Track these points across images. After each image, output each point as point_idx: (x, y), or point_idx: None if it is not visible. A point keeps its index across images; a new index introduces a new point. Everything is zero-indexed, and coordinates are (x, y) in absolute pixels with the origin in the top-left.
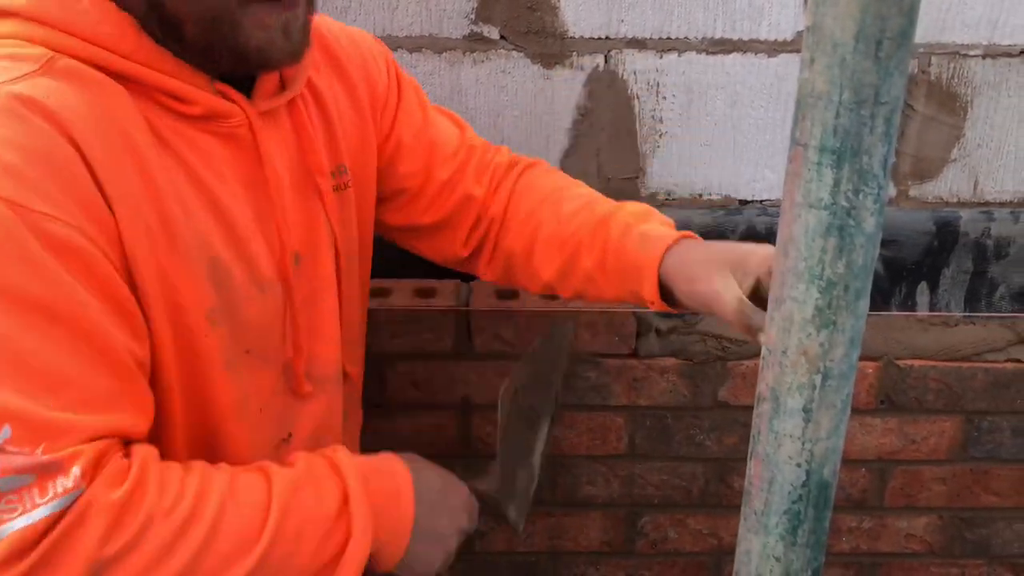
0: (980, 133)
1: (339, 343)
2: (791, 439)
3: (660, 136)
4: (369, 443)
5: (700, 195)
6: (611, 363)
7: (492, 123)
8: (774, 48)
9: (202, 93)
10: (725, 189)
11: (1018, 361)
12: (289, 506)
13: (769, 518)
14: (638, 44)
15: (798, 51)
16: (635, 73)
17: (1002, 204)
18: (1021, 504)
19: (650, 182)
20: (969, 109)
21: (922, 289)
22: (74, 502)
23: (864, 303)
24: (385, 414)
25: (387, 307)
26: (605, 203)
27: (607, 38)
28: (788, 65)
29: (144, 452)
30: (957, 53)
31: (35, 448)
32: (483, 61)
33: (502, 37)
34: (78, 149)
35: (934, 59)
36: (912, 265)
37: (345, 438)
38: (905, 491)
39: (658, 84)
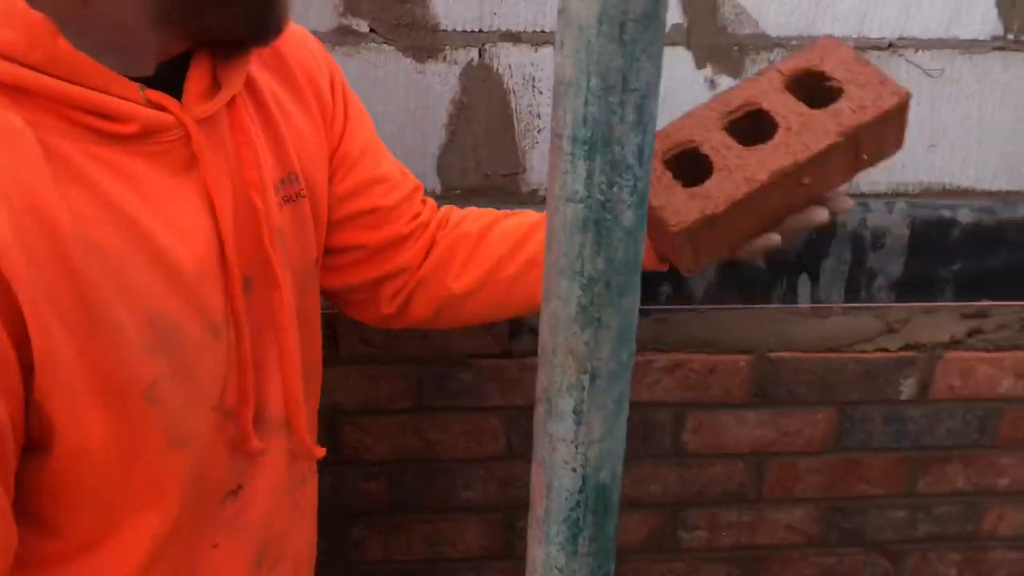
0: None
1: (298, 382)
2: (564, 443)
3: (539, 132)
4: None
5: None
6: (484, 363)
7: None
8: None
9: (135, 107)
10: None
11: (886, 351)
12: None
13: (550, 526)
14: (512, 37)
15: (674, 44)
16: (510, 67)
17: (877, 195)
18: (892, 491)
19: (531, 178)
20: None
21: (803, 281)
22: None
23: (630, 299)
24: None
25: None
26: (525, 215)
27: (481, 31)
28: (665, 58)
29: None
30: None
31: None
32: (353, 55)
33: (372, 30)
34: None
35: None
36: (792, 258)
37: (296, 502)
38: (781, 483)
39: (534, 78)
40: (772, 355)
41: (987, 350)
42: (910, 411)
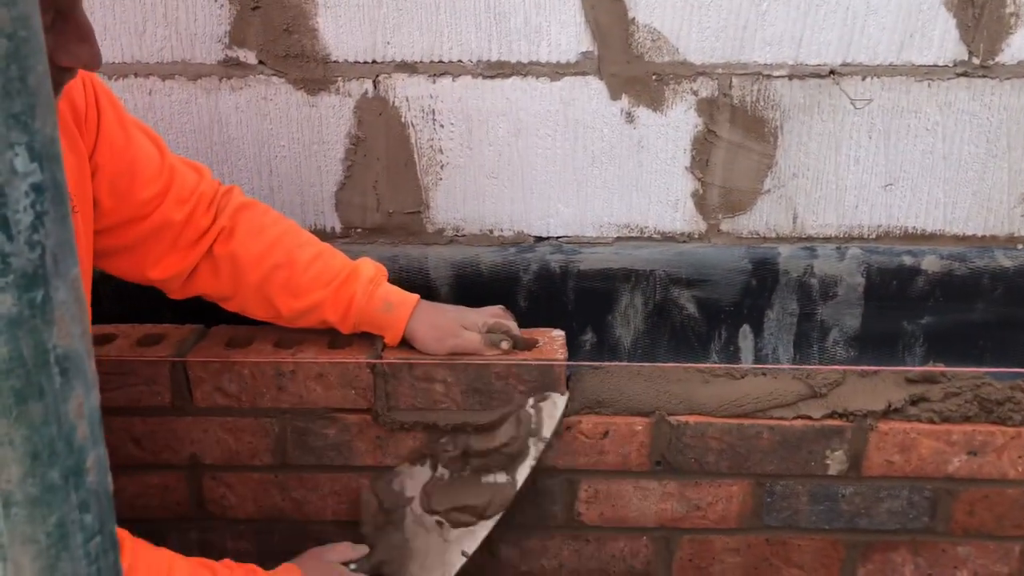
0: (794, 161)
1: None
2: None
3: (441, 167)
4: None
5: (491, 231)
6: (350, 418)
7: (258, 153)
8: (557, 71)
9: None
10: (517, 225)
11: (808, 418)
12: None
13: None
14: (408, 68)
15: (584, 73)
16: (408, 99)
17: (826, 239)
18: None
19: (435, 217)
20: (779, 135)
21: (744, 333)
22: None
23: (38, 407)
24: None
25: (98, 356)
26: (337, 256)
27: (374, 62)
28: (574, 89)
29: (125, 532)
30: (760, 74)
31: None
32: (242, 88)
33: (260, 62)
34: None
35: (735, 80)
36: (729, 307)
37: None
38: (695, 563)
39: (434, 111)
40: (674, 419)
41: (932, 422)
42: (841, 488)
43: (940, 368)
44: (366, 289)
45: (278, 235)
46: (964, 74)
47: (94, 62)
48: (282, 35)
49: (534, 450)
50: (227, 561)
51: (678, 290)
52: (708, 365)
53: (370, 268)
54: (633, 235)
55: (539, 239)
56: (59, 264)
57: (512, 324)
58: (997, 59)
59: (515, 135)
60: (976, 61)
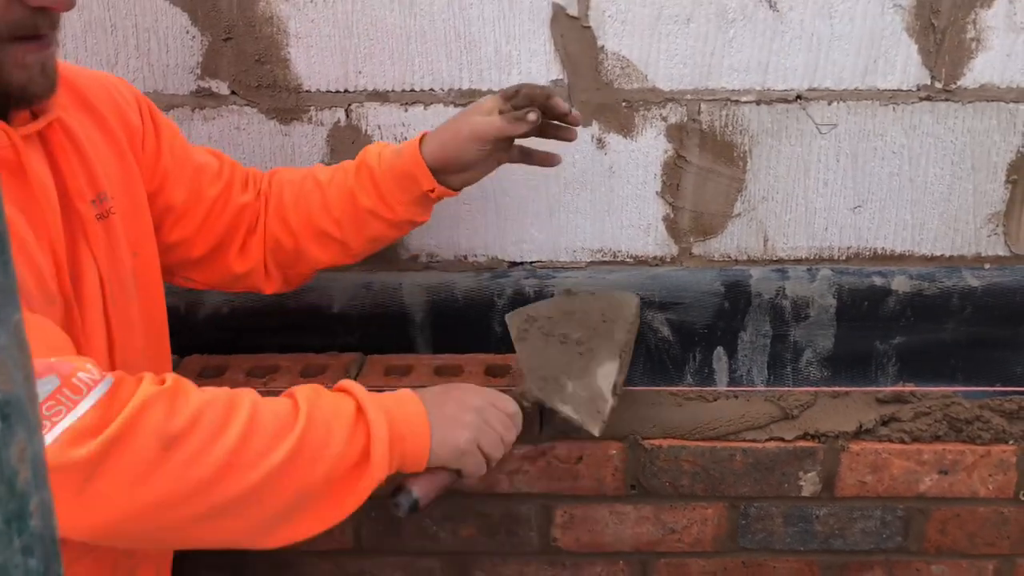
0: (764, 185)
1: None
2: None
3: None
4: None
5: (465, 256)
6: None
7: None
8: None
9: None
10: (491, 250)
11: (781, 440)
12: (314, 406)
13: None
14: (380, 97)
15: None
16: (380, 128)
17: (797, 261)
18: None
19: (410, 243)
20: (749, 159)
21: (719, 355)
22: (114, 391)
23: None
24: None
25: None
26: (348, 162)
27: (346, 91)
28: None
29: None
30: (729, 100)
31: (49, 358)
32: (214, 118)
33: (233, 92)
34: None
35: (704, 106)
36: (703, 329)
37: None
38: None
39: (406, 139)
40: (647, 443)
41: (903, 441)
42: (815, 509)
43: (910, 388)
44: (375, 158)
45: (302, 175)
46: (928, 98)
47: (66, 1)
48: (254, 65)
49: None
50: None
51: (652, 313)
52: (679, 388)
53: (375, 145)
54: (606, 259)
55: (513, 264)
56: None
57: (527, 85)
58: (959, 83)
59: None
60: (939, 85)
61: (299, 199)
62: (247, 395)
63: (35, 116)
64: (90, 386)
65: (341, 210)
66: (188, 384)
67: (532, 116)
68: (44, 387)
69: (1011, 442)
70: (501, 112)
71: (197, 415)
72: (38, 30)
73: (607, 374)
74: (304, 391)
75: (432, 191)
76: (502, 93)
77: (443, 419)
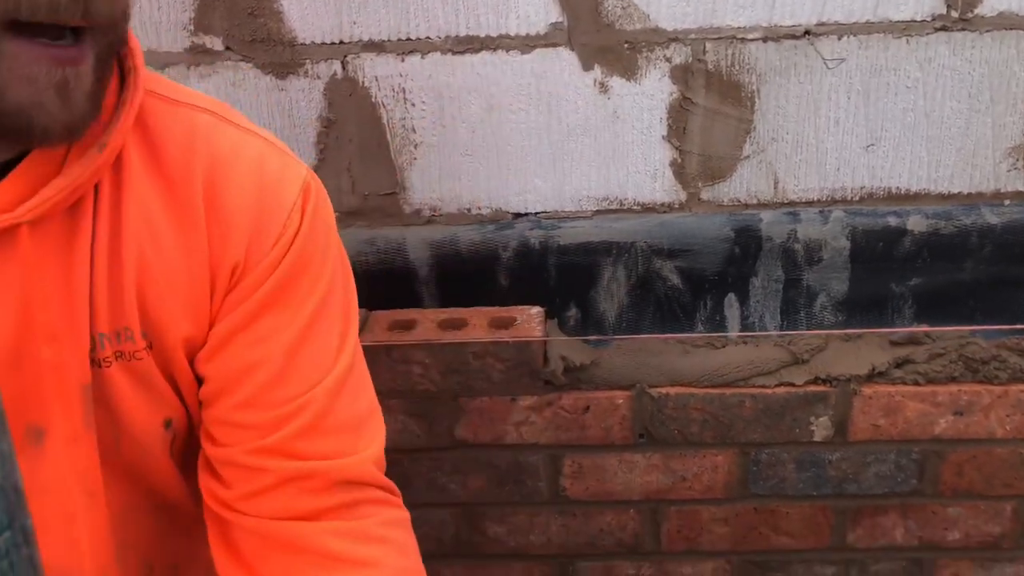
0: (773, 125)
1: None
2: None
3: (415, 147)
4: None
5: (468, 209)
6: None
7: None
8: (527, 44)
9: None
10: (495, 202)
11: (791, 385)
12: None
13: None
14: (376, 47)
15: (555, 45)
16: (377, 79)
17: (809, 203)
18: (817, 545)
19: (412, 198)
20: (757, 99)
21: (730, 301)
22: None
23: None
24: None
25: None
26: None
27: (341, 43)
28: (545, 61)
29: None
30: (735, 37)
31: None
32: (210, 75)
33: (227, 48)
34: None
35: (709, 45)
36: (713, 276)
37: None
38: (683, 534)
39: (404, 90)
40: (654, 391)
41: (917, 383)
42: (827, 454)
43: (924, 328)
44: None
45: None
46: (943, 28)
47: None
48: (247, 19)
49: None
50: None
51: (661, 261)
52: (687, 336)
53: None
54: (612, 207)
55: (517, 215)
56: None
57: None
58: (976, 11)
59: (488, 111)
60: (955, 15)
61: None
62: None
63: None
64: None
65: None
66: None
67: None
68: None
69: None
70: None
71: None
72: (54, 22)
73: None
74: None
75: None
76: None
77: None
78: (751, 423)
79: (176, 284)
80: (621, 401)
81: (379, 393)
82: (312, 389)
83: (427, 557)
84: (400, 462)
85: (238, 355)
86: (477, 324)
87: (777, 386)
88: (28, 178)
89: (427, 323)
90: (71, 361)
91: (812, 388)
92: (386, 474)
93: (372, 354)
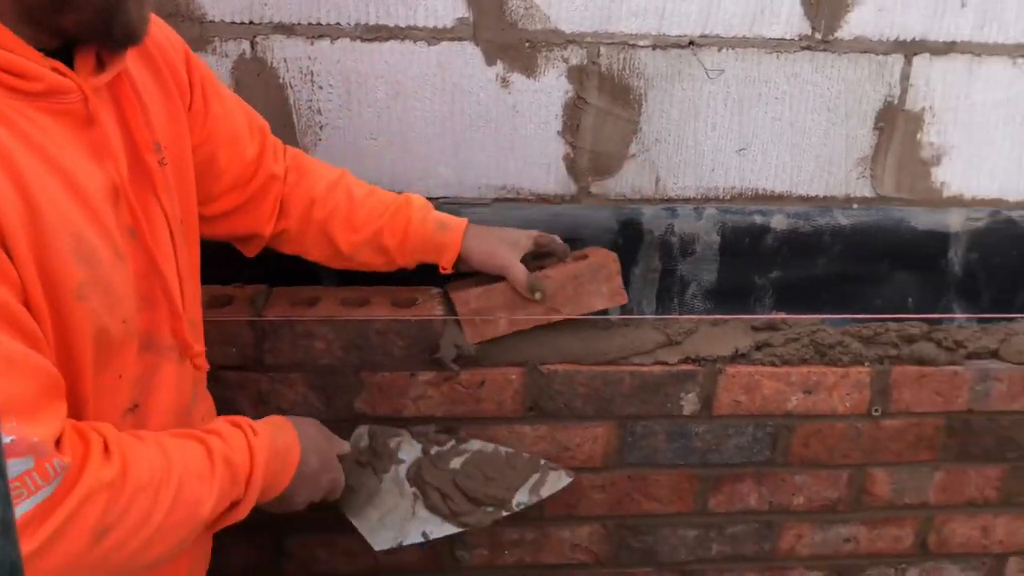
0: (657, 127)
1: (183, 318)
2: None
3: (320, 128)
4: None
5: None
6: (232, 375)
7: None
8: (433, 35)
9: (44, 70)
10: (398, 185)
11: (665, 363)
12: (221, 486)
13: None
14: (286, 29)
15: (460, 39)
16: (285, 61)
17: (686, 200)
18: (682, 510)
19: None
20: (644, 102)
21: None
22: (65, 479)
23: None
24: None
25: None
26: (388, 192)
27: (251, 23)
28: (450, 54)
29: (110, 431)
30: (626, 43)
31: (30, 433)
32: None
33: None
34: None
35: (603, 49)
36: None
37: (194, 421)
38: (564, 500)
39: (312, 72)
40: (545, 368)
41: (773, 364)
42: (694, 427)
43: (782, 316)
44: (420, 212)
45: (336, 176)
46: (808, 48)
47: None
48: None
49: (525, 499)
50: (220, 424)
51: None
52: (575, 317)
53: (420, 198)
54: (510, 196)
55: None
56: None
57: (556, 241)
58: (836, 35)
59: (394, 97)
60: (818, 36)
61: (326, 202)
62: (177, 466)
63: (100, 62)
64: (56, 474)
65: (361, 234)
66: (130, 459)
67: (538, 297)
68: (17, 467)
69: (866, 364)
70: (527, 261)
71: (129, 503)
72: None
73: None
74: (221, 450)
75: (443, 269)
76: (536, 240)
77: (296, 484)
78: (629, 398)
79: (165, 114)
80: (514, 376)
81: (281, 367)
82: (249, 115)
83: (326, 530)
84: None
85: (227, 126)
86: (379, 303)
87: (653, 364)
88: (85, 62)
89: (330, 300)
90: (157, 165)
91: (683, 367)
92: None
93: (275, 328)
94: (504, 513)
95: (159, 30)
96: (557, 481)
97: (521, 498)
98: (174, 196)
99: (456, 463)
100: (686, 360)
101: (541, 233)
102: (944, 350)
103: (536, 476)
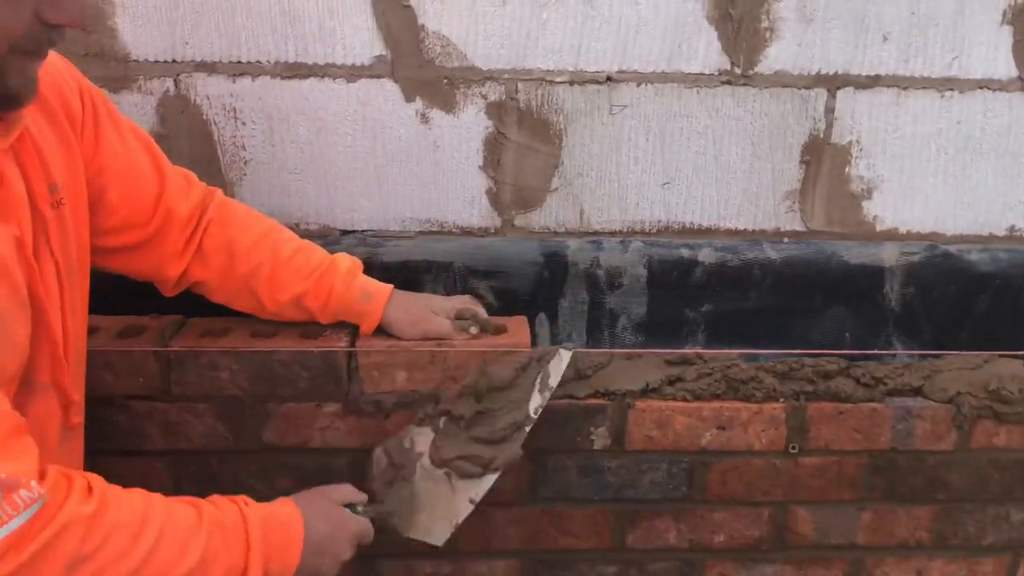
0: (579, 161)
1: (64, 365)
2: None
3: (245, 163)
4: None
5: (297, 225)
6: (140, 405)
7: None
8: (352, 73)
9: None
10: (323, 219)
11: (573, 397)
12: (209, 546)
13: None
14: (208, 68)
15: (379, 76)
16: (208, 98)
17: (611, 233)
18: (600, 545)
19: None
20: (564, 137)
21: (541, 320)
22: (43, 511)
23: None
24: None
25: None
26: (316, 250)
27: (174, 61)
28: (370, 90)
29: (97, 477)
30: (544, 80)
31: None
32: None
33: None
34: None
35: (521, 85)
36: (526, 296)
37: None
38: (478, 534)
39: (235, 109)
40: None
41: (685, 400)
42: (606, 461)
43: (696, 351)
44: (345, 279)
45: (263, 231)
46: (728, 82)
47: (81, 18)
48: (81, 34)
49: (540, 400)
50: (215, 497)
51: (476, 281)
52: (490, 348)
53: (347, 261)
54: (434, 229)
55: (345, 232)
56: None
57: (480, 310)
58: (756, 69)
59: (316, 133)
60: (738, 71)
61: (249, 257)
62: (159, 514)
63: (0, 118)
64: (27, 504)
65: (285, 295)
66: (111, 500)
67: (474, 330)
68: None
69: (781, 400)
70: (451, 318)
71: (106, 538)
72: (46, 46)
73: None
74: (211, 512)
75: (363, 334)
76: (459, 311)
77: (312, 553)
78: (541, 433)
79: (59, 152)
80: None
81: (189, 398)
82: (154, 156)
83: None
84: (208, 463)
85: (121, 162)
86: (287, 335)
87: (562, 398)
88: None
89: (241, 332)
90: (50, 210)
91: (592, 401)
92: (194, 474)
93: (181, 359)
94: (528, 428)
95: (50, 65)
96: (559, 363)
97: (535, 403)
98: (68, 237)
99: (464, 419)
100: (595, 394)
101: (465, 306)
102: (862, 386)
103: (539, 372)
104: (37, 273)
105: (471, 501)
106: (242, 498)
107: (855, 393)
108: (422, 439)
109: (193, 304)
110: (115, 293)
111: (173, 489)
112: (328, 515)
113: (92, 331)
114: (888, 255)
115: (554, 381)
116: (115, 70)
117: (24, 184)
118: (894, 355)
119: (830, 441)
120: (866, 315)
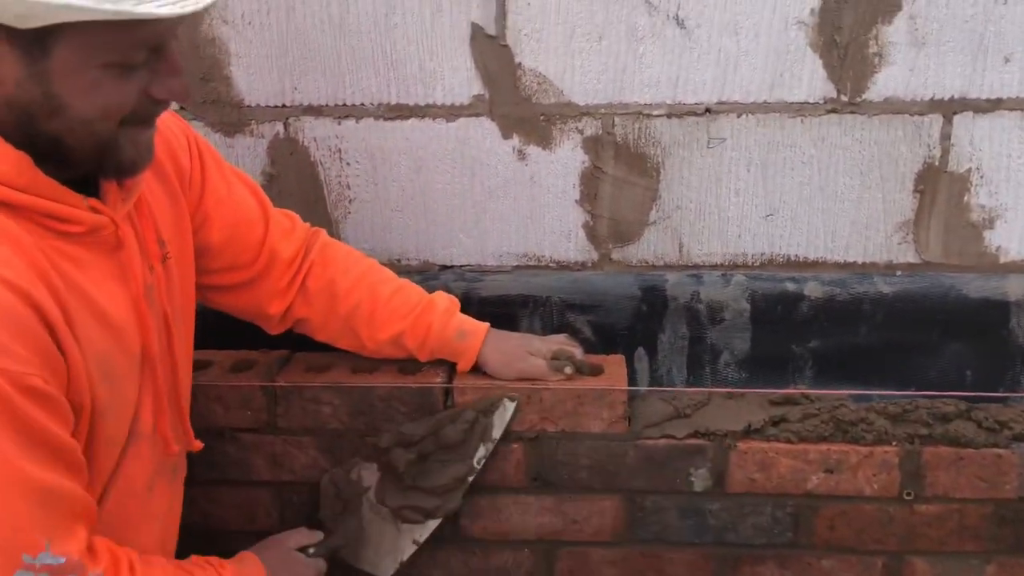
0: (677, 194)
1: (167, 415)
2: None
3: (350, 202)
4: None
5: (398, 260)
6: (248, 437)
7: None
8: (452, 112)
9: (84, 213)
10: (423, 254)
11: (671, 437)
12: None
13: None
14: (315, 111)
15: (477, 115)
16: (315, 140)
17: (712, 267)
18: None
19: None
20: (662, 170)
21: (640, 355)
22: None
23: None
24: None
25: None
26: (415, 290)
27: (284, 106)
28: (468, 128)
29: (134, 553)
30: (640, 113)
31: (63, 554)
32: None
33: (181, 107)
34: (36, 308)
35: (617, 119)
36: (623, 330)
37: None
38: (575, 574)
39: (340, 150)
40: (548, 438)
41: (789, 441)
42: (706, 504)
43: (802, 391)
44: (442, 319)
45: (363, 271)
46: (834, 110)
47: (184, 94)
48: (199, 83)
49: (483, 451)
50: (193, 557)
51: (574, 315)
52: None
53: (444, 300)
54: (531, 264)
55: (443, 267)
56: None
57: (576, 350)
58: (864, 96)
59: (416, 171)
60: (845, 98)
61: (349, 297)
62: None
63: (120, 183)
64: None
65: (384, 334)
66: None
67: (569, 371)
68: None
69: (894, 443)
70: (547, 358)
71: None
72: (154, 116)
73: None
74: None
75: (460, 371)
76: (555, 353)
77: None
78: (635, 471)
79: (166, 207)
80: (516, 446)
81: (293, 431)
82: (260, 200)
83: None
84: (310, 494)
85: (226, 210)
86: (386, 370)
87: (660, 438)
88: (111, 188)
89: (342, 367)
90: (160, 266)
91: (691, 441)
92: (296, 503)
93: (286, 394)
94: (471, 478)
95: (159, 122)
96: (503, 413)
97: (480, 454)
98: (175, 289)
99: (410, 466)
100: (695, 434)
101: (561, 347)
102: (985, 431)
103: (484, 421)
104: (152, 332)
105: (415, 542)
106: (216, 560)
107: (976, 438)
108: (368, 474)
109: (298, 341)
110: (234, 326)
111: (279, 519)
112: (286, 562)
113: (206, 365)
114: (1014, 288)
115: (497, 433)
116: (230, 116)
117: (139, 244)
118: (1022, 397)
119: (949, 488)
120: (989, 353)
